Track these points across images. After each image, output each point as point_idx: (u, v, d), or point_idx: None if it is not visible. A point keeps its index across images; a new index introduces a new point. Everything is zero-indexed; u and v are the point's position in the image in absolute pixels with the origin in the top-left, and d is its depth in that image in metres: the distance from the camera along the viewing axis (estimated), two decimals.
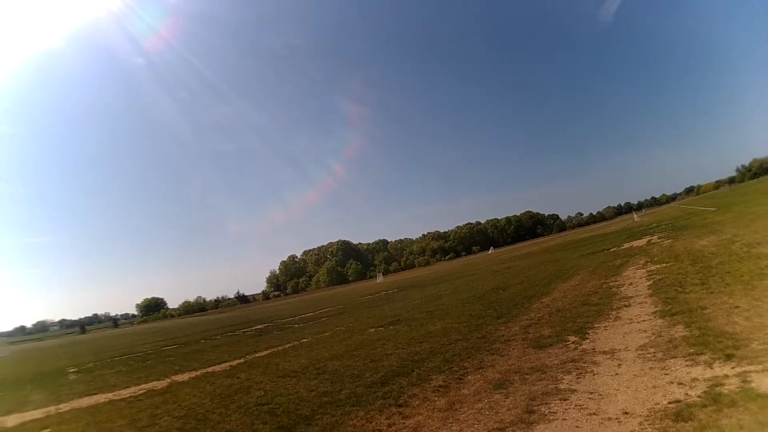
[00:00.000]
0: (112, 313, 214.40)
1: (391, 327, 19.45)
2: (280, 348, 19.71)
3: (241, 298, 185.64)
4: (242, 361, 18.00)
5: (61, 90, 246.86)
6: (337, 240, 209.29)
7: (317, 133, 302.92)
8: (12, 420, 13.68)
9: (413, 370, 11.13)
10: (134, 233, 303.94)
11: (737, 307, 10.28)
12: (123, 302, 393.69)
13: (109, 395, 15.51)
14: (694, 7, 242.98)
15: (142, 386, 16.14)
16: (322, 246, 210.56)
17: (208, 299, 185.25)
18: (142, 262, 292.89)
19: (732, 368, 7.02)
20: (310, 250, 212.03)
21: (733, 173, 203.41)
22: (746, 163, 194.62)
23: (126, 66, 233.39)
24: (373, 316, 25.64)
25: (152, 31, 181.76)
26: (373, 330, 19.65)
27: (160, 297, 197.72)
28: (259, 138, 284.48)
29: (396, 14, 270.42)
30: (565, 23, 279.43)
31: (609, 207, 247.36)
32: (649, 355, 8.63)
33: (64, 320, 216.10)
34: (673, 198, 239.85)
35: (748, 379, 6.48)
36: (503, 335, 13.28)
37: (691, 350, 8.22)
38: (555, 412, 6.90)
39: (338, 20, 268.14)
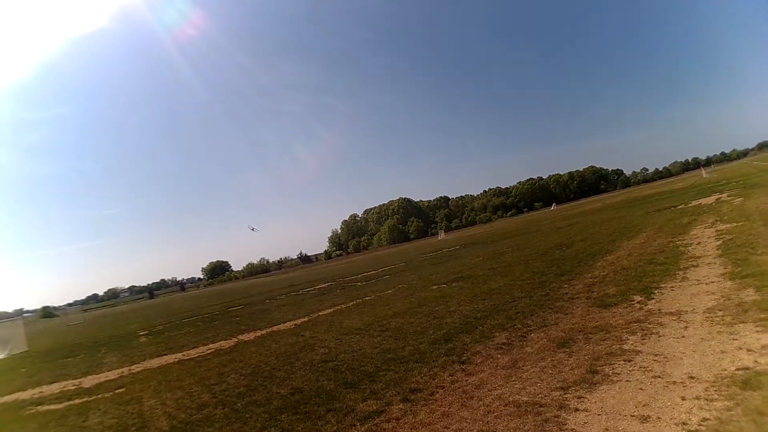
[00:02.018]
0: (179, 278, 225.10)
1: (453, 284, 19.72)
2: (343, 306, 20.30)
3: (304, 259, 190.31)
4: (306, 319, 18.67)
5: (105, 70, 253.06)
6: (398, 198, 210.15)
7: (372, 85, 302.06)
8: (89, 381, 14.91)
9: (476, 327, 11.37)
10: (195, 199, 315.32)
11: None
12: (189, 267, 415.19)
13: (179, 355, 16.59)
14: None
15: (210, 346, 17.10)
16: (383, 204, 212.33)
17: (271, 261, 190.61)
18: (206, 226, 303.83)
19: None
20: (371, 209, 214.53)
21: None
22: None
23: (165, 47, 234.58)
24: (435, 273, 26.00)
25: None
26: (435, 287, 19.98)
27: (225, 260, 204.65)
28: (318, 94, 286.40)
29: None
30: None
31: (676, 162, 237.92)
32: (717, 319, 8.49)
33: (133, 287, 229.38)
34: (745, 154, 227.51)
35: None
36: (567, 293, 13.34)
37: (762, 315, 8.02)
38: (619, 374, 6.97)
39: None
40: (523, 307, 12.57)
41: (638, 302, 10.87)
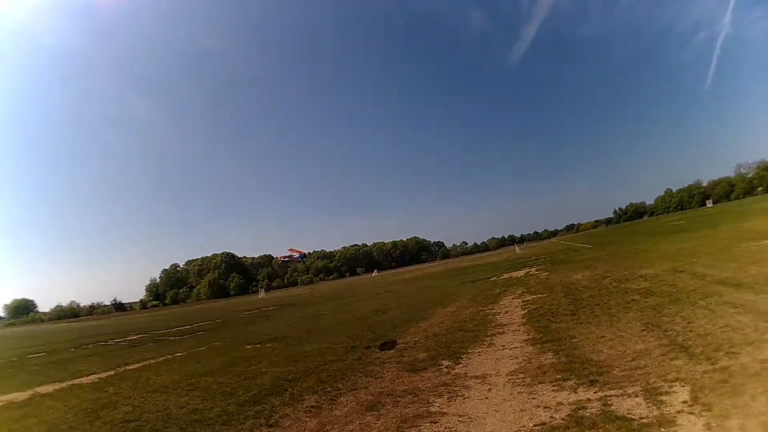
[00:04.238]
0: None
1: (267, 344, 19.19)
2: (153, 361, 18.81)
3: (118, 306, 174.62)
4: (112, 373, 16.99)
5: None
6: (222, 252, 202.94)
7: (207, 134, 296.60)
8: None
9: (286, 390, 11.05)
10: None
11: (603, 336, 11.24)
12: None
13: None
14: (588, 59, 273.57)
15: (1, 398, 14.73)
16: (206, 257, 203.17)
17: (82, 305, 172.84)
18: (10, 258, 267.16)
19: (594, 393, 7.65)
20: (193, 260, 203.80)
21: (611, 215, 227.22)
22: (623, 207, 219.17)
23: None
24: (251, 332, 25.23)
25: None
26: (249, 346, 19.29)
27: (30, 299, 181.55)
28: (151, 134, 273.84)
29: None
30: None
31: (493, 238, 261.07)
32: (518, 380, 9.11)
33: None
34: (554, 234, 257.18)
35: (609, 402, 7.11)
36: (378, 357, 13.47)
37: (558, 376, 8.82)
38: None
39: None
40: (335, 371, 12.44)
41: (446, 366, 11.31)
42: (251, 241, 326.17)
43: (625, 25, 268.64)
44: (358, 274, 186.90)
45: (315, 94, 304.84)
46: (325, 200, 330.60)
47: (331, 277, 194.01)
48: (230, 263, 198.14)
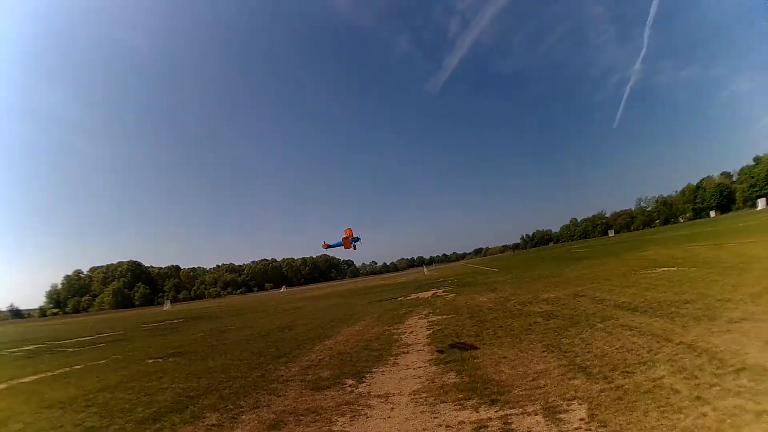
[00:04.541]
0: None
1: (170, 359, 18.30)
2: (49, 374, 17.48)
3: (14, 312, 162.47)
4: (4, 386, 15.65)
5: None
6: (128, 260, 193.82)
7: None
8: None
9: (188, 407, 10.57)
10: None
11: (505, 357, 11.48)
12: None
13: None
14: (506, 92, 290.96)
15: None
16: (112, 264, 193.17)
17: None
18: None
19: (496, 412, 7.77)
20: (97, 267, 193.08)
21: (518, 240, 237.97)
22: (530, 233, 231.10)
23: None
24: (154, 346, 23.98)
25: None
26: (151, 361, 18.33)
27: None
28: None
29: None
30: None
31: (403, 259, 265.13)
32: (421, 400, 9.10)
33: None
34: (463, 257, 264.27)
35: (509, 421, 7.26)
36: (283, 375, 13.11)
37: (461, 395, 8.90)
38: None
39: None
40: (238, 388, 12.03)
41: (350, 385, 11.15)
42: (159, 249, 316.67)
43: (545, 63, 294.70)
44: (267, 289, 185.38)
45: (232, 102, 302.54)
46: (236, 213, 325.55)
47: (239, 291, 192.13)
48: (136, 272, 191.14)
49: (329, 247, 18.03)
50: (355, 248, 17.51)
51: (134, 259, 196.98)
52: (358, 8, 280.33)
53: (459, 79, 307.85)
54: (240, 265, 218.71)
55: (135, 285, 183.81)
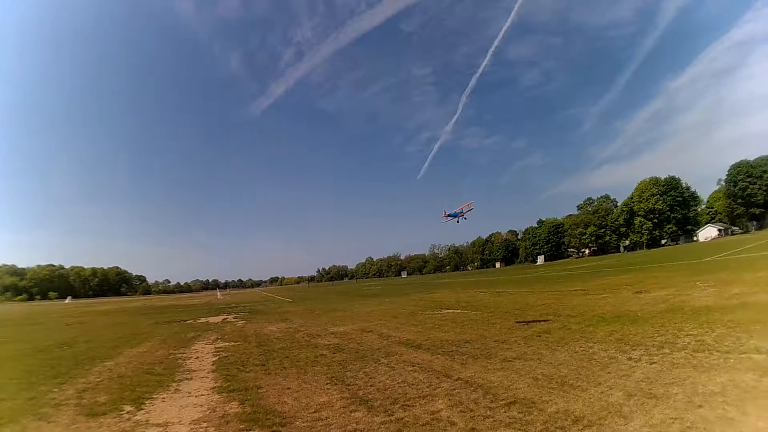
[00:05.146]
0: None
1: None
2: None
3: None
4: None
5: None
6: None
7: None
8: None
9: None
10: None
11: (289, 388, 11.64)
12: None
13: None
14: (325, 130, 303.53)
15: None
16: None
17: None
18: None
19: None
20: None
21: (314, 273, 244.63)
22: (326, 267, 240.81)
23: None
24: None
25: None
26: None
27: None
28: None
29: None
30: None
31: (198, 280, 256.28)
32: (201, 429, 8.87)
33: None
34: (259, 284, 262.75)
35: None
36: (55, 398, 11.92)
37: (242, 426, 8.81)
38: None
39: None
40: (2, 412, 10.66)
41: (128, 412, 10.46)
42: None
43: (366, 109, 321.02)
44: (51, 299, 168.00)
45: None
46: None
47: (19, 297, 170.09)
48: None
49: (449, 216, 17.72)
50: (458, 222, 17.37)
51: None
52: (202, 16, 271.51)
53: (282, 108, 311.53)
54: (23, 268, 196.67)
55: None
